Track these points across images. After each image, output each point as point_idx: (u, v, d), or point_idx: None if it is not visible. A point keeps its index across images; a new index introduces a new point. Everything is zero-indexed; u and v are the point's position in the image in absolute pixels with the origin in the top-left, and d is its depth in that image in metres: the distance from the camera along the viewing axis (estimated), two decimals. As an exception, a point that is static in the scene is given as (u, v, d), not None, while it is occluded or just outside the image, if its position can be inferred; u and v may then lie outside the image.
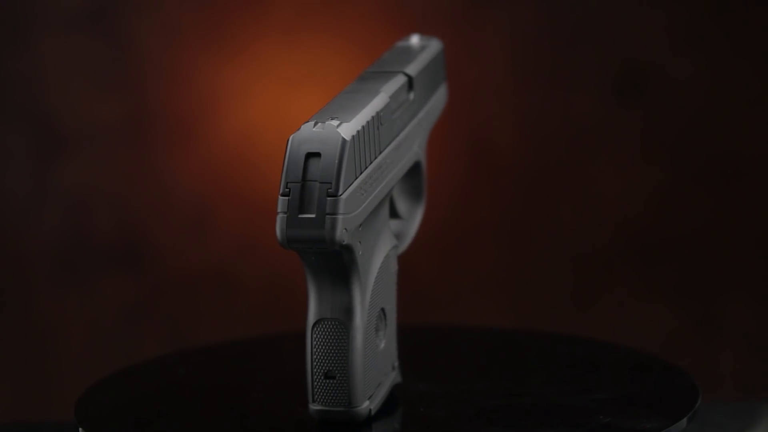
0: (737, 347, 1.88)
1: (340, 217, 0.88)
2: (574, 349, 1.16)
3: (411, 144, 1.02)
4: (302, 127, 0.90)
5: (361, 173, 0.91)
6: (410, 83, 1.02)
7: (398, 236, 1.04)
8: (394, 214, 1.04)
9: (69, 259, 1.82)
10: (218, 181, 1.80)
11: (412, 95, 1.02)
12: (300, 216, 0.88)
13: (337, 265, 0.92)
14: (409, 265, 1.77)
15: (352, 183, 0.90)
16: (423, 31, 1.14)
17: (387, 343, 0.98)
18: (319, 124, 0.90)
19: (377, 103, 0.95)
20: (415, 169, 1.06)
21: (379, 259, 0.96)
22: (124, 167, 1.82)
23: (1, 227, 1.82)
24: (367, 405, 0.94)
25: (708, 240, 1.87)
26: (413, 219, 1.07)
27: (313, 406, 0.94)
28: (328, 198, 0.88)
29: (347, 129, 0.90)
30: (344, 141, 0.89)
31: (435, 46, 1.09)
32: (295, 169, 0.89)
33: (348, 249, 0.91)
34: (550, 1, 1.83)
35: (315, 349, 0.93)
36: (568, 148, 1.85)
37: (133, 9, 1.79)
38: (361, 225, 0.91)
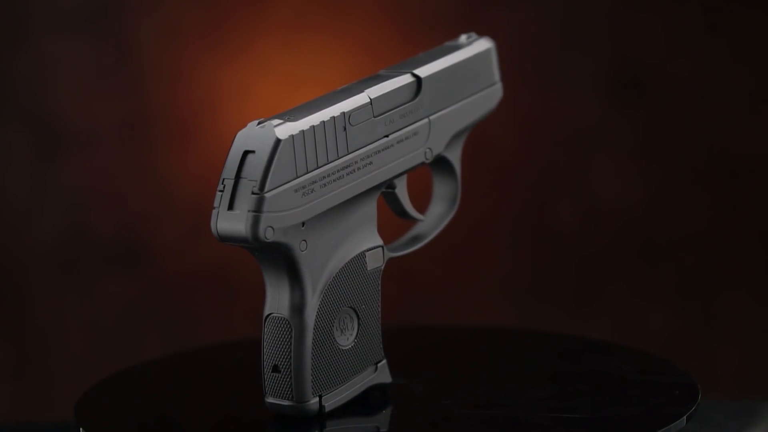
0: (737, 347, 1.88)
1: (263, 215, 0.90)
2: (573, 350, 1.16)
3: (415, 145, 1.01)
4: (249, 124, 0.93)
5: (308, 172, 0.92)
6: (419, 84, 1.02)
7: (417, 237, 1.04)
8: (404, 214, 1.04)
9: (69, 259, 1.82)
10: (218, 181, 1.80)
11: (419, 97, 1.01)
12: (228, 211, 0.91)
13: (277, 262, 0.94)
14: (410, 265, 1.77)
15: (288, 182, 0.91)
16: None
17: (361, 343, 0.98)
18: (265, 122, 0.92)
19: (349, 103, 0.96)
20: (445, 174, 1.06)
21: (342, 259, 0.96)
22: (124, 167, 1.82)
23: (1, 227, 1.82)
24: (315, 401, 0.95)
25: (708, 239, 1.87)
26: (440, 223, 1.06)
27: (266, 399, 0.96)
28: (252, 195, 0.90)
29: (286, 129, 0.92)
30: (277, 140, 0.91)
31: (478, 46, 1.07)
32: (231, 166, 0.92)
33: (283, 247, 0.92)
34: (549, 2, 1.83)
35: (265, 343, 0.95)
36: (568, 149, 1.85)
37: (133, 9, 1.79)
38: (304, 224, 0.93)
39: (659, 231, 1.87)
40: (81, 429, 0.97)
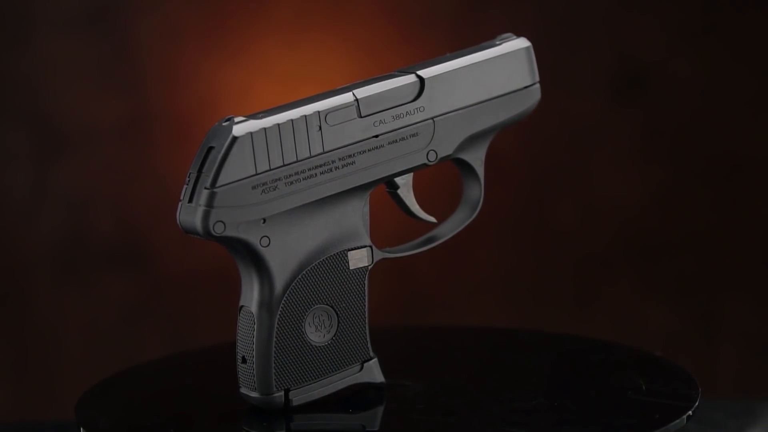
0: (737, 347, 1.88)
1: (213, 210, 0.93)
2: (572, 352, 1.16)
3: (415, 147, 1.00)
4: (219, 121, 0.96)
5: (271, 170, 0.94)
6: (422, 85, 1.01)
7: (432, 239, 1.04)
8: (412, 215, 1.04)
9: (69, 259, 1.82)
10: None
11: (421, 97, 1.01)
12: (188, 204, 0.95)
13: (244, 256, 0.96)
14: (409, 265, 1.76)
15: (245, 178, 0.93)
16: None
17: (340, 341, 0.98)
18: (230, 119, 0.95)
19: (328, 103, 0.97)
20: (468, 177, 1.05)
21: (316, 257, 0.97)
22: (124, 167, 1.82)
23: (1, 227, 1.82)
24: (280, 395, 0.96)
25: (708, 239, 1.87)
26: (457, 227, 1.06)
27: (240, 390, 0.98)
28: (204, 190, 0.93)
29: (246, 126, 0.94)
30: (233, 138, 0.93)
31: (508, 47, 1.04)
32: (197, 161, 0.95)
33: (241, 242, 0.94)
34: (548, 1, 1.83)
35: (238, 334, 0.97)
36: (568, 149, 1.85)
37: (133, 9, 1.79)
38: (265, 220, 0.94)
39: (659, 231, 1.87)
40: (81, 429, 0.97)
